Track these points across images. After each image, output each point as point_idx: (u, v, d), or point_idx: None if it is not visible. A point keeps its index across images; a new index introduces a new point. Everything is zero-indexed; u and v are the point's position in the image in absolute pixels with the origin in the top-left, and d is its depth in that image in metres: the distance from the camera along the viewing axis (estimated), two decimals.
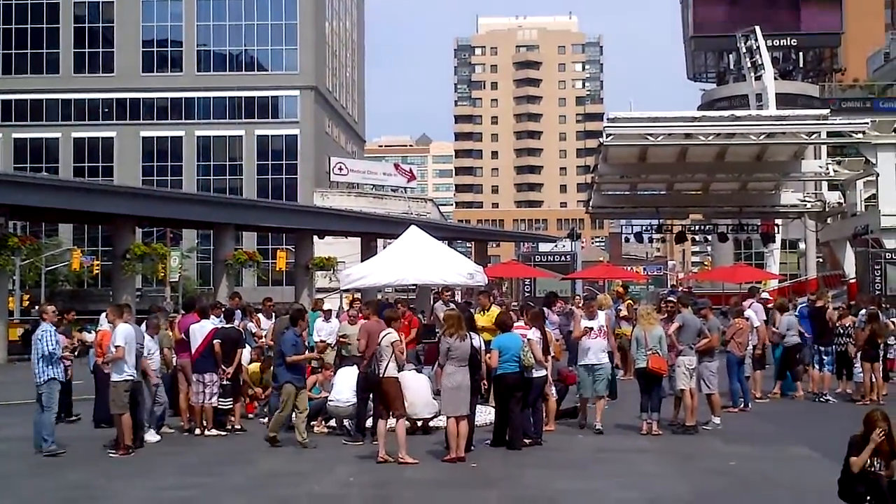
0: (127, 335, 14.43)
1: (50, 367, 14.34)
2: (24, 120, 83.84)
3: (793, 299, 27.19)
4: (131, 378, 14.34)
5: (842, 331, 20.23)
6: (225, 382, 16.05)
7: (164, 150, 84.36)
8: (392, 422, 13.44)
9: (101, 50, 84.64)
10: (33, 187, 42.12)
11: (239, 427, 16.37)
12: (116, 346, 14.33)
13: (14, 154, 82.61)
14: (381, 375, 13.32)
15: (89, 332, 27.37)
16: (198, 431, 15.94)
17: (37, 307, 62.88)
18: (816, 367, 20.06)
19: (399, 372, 13.82)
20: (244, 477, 12.70)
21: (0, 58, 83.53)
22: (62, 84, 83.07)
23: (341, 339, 17.76)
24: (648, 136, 35.65)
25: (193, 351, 16.02)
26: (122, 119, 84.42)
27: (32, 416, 14.71)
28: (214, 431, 15.87)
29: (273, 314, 19.91)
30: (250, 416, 17.26)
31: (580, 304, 25.42)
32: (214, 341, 15.90)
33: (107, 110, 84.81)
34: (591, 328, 16.00)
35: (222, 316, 17.23)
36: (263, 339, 18.75)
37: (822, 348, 20.00)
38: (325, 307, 21.01)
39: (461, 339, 13.47)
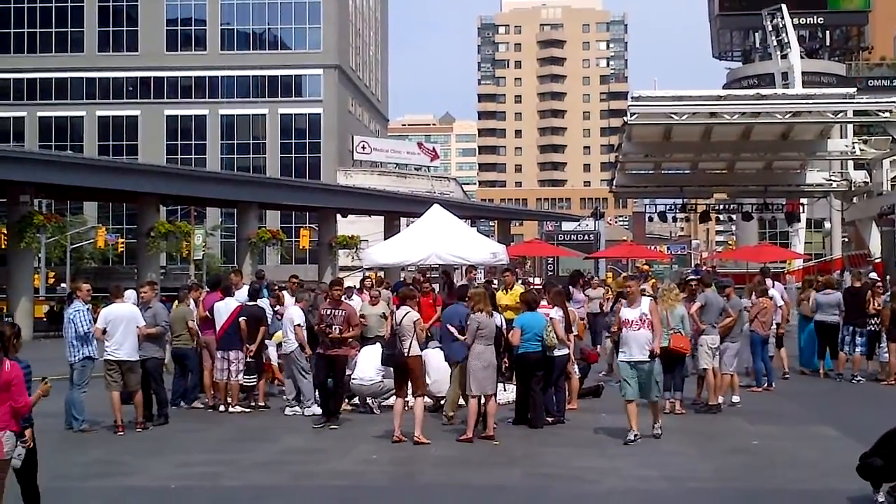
0: (108, 316, 14.50)
1: (84, 346, 14.37)
2: (48, 98, 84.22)
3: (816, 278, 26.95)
4: (112, 358, 14.33)
5: (874, 311, 19.98)
6: (249, 360, 16.13)
7: (188, 129, 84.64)
8: (411, 400, 13.47)
9: (125, 29, 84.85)
10: (58, 165, 42.37)
11: (263, 404, 16.47)
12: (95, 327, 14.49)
13: (39, 132, 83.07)
14: (406, 354, 13.30)
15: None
16: (222, 408, 16.08)
17: (62, 284, 63.64)
18: (847, 348, 19.88)
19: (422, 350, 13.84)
20: (268, 453, 12.78)
21: (25, 36, 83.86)
22: (87, 63, 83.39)
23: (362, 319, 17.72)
24: (673, 115, 35.35)
25: (218, 328, 16.14)
26: (146, 98, 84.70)
27: (64, 393, 14.64)
28: (238, 408, 15.99)
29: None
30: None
31: (596, 285, 25.01)
32: (240, 319, 15.99)
33: (131, 89, 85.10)
34: (631, 319, 13.45)
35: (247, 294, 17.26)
36: None
37: (857, 329, 19.75)
38: (346, 286, 20.90)
39: (489, 316, 13.50)
